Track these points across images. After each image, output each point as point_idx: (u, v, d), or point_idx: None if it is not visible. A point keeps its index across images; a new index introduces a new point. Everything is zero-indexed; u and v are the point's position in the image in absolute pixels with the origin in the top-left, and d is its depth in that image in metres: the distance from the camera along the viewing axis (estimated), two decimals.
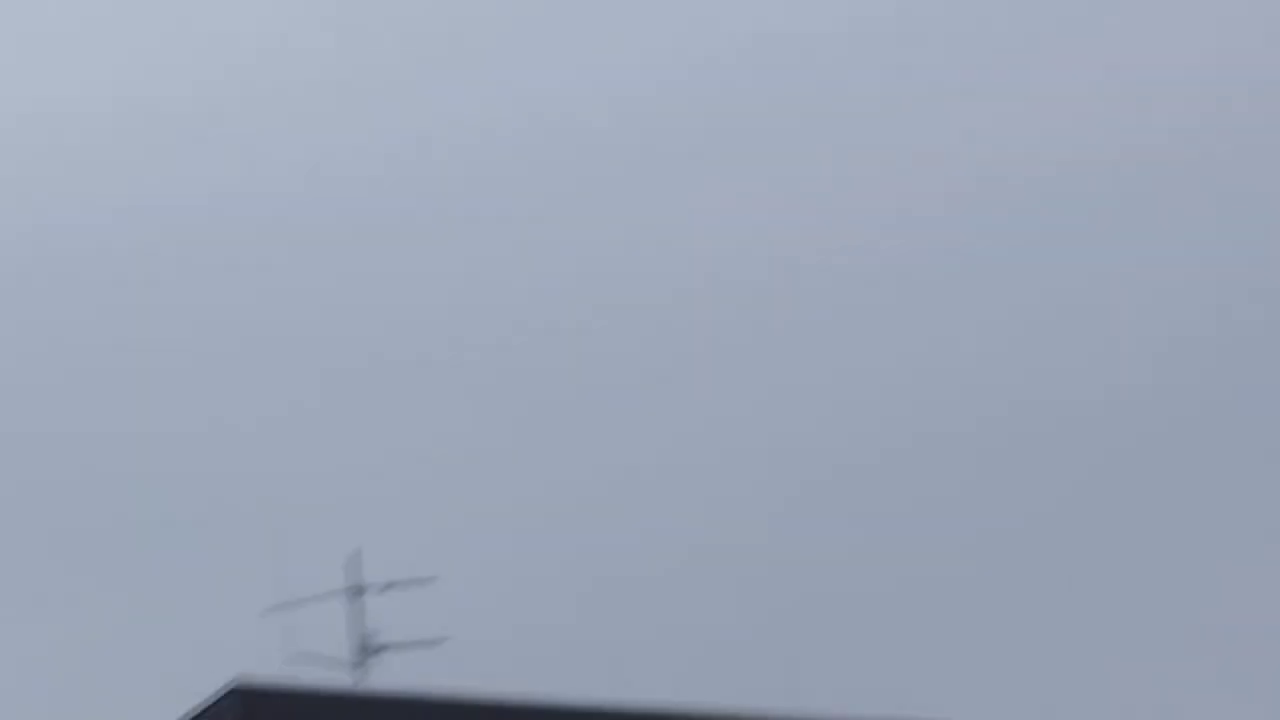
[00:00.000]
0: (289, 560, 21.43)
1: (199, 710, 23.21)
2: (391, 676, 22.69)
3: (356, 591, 23.21)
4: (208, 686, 22.84)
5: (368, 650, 21.17)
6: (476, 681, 23.09)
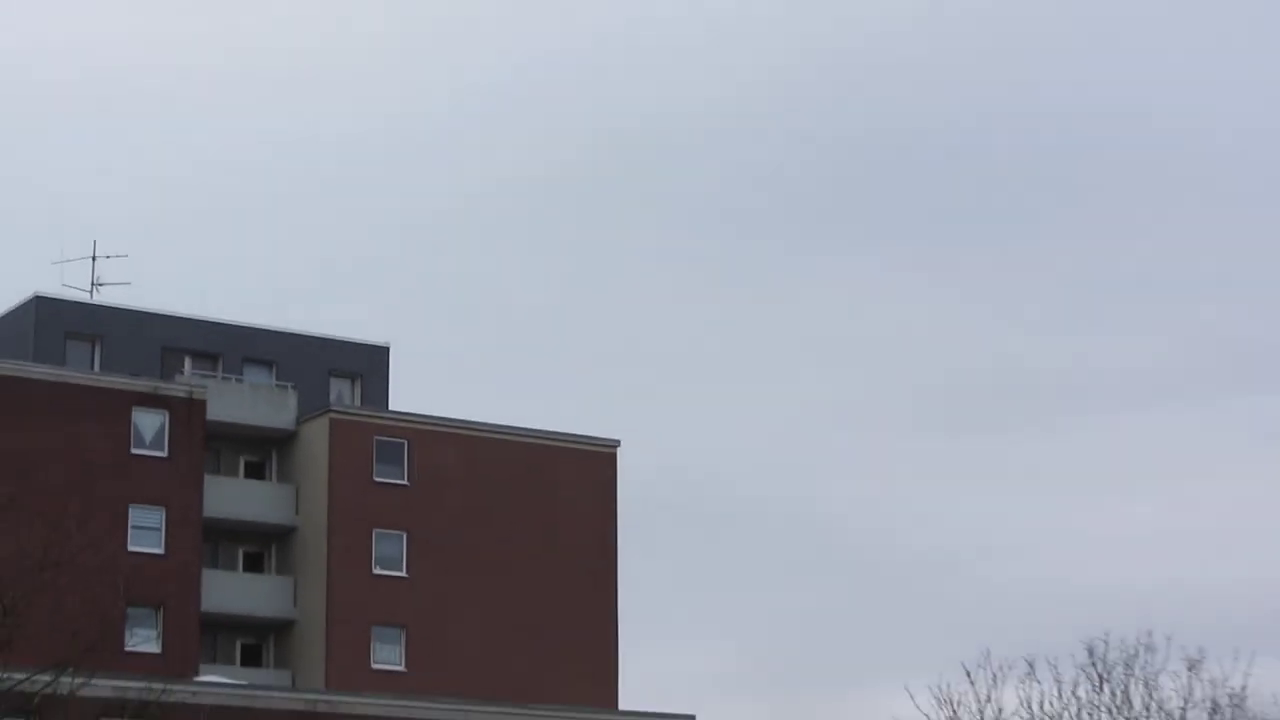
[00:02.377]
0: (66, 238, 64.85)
1: (9, 311, 65.39)
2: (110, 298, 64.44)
3: (94, 259, 65.04)
4: (14, 300, 66.13)
5: (97, 285, 64.66)
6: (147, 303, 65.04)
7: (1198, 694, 36.51)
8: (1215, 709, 36.42)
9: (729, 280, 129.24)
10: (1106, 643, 36.79)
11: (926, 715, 36.77)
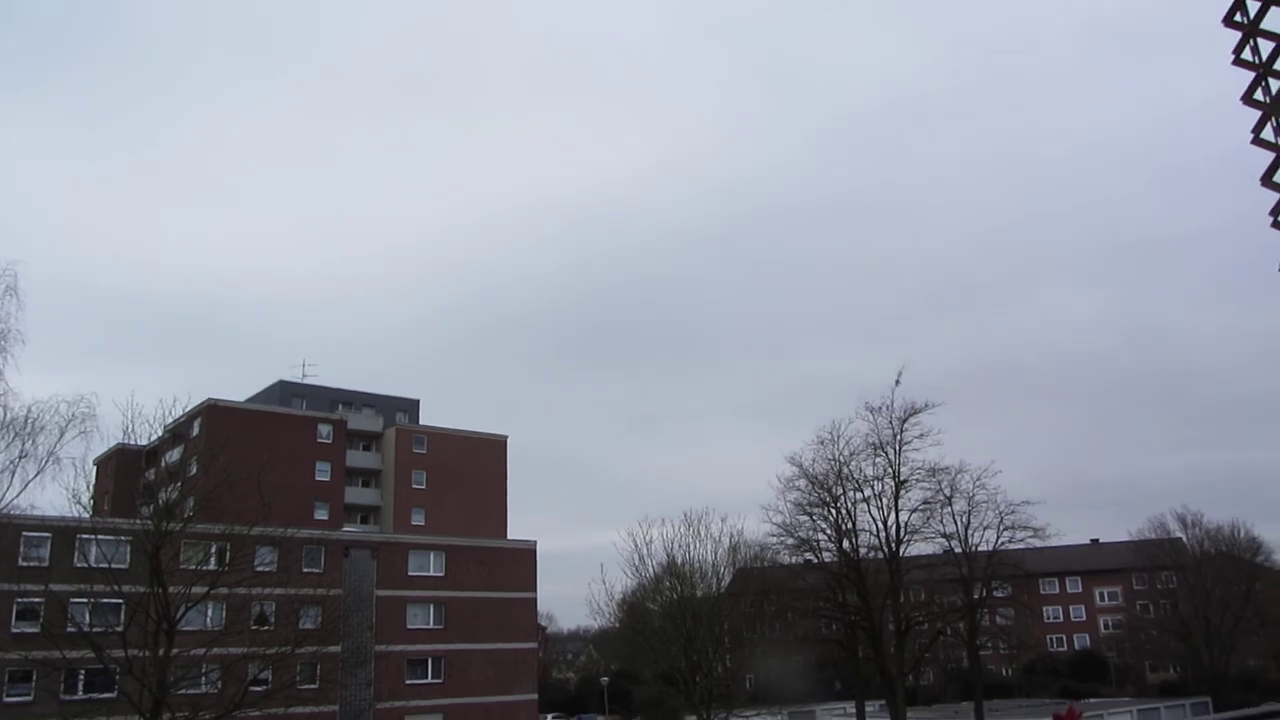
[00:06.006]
0: None
1: (269, 386, 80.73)
2: None
3: (303, 364, 70.00)
4: (270, 381, 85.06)
5: (306, 375, 62.63)
6: None
7: (727, 532, 49.43)
8: (733, 538, 49.39)
9: (553, 376, 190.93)
10: (693, 512, 49.61)
11: (623, 540, 50.99)
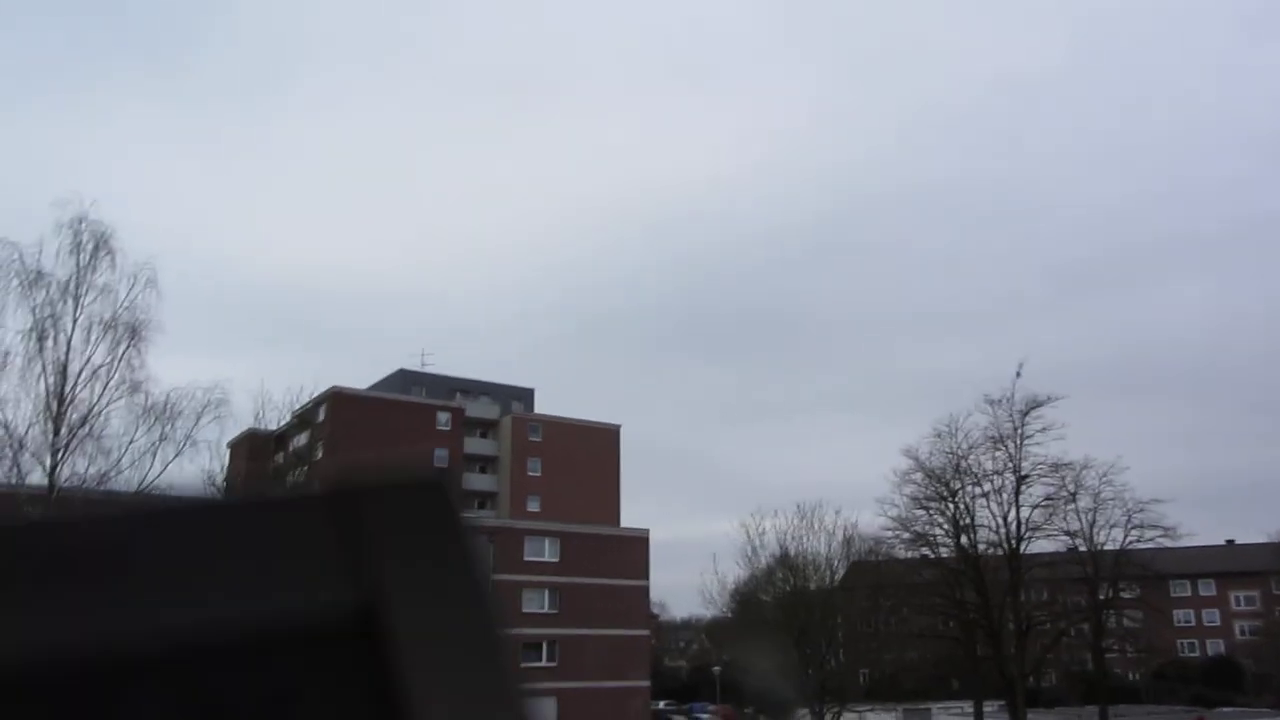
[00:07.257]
0: None
1: (391, 374, 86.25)
2: None
3: (422, 354, 67.48)
4: (391, 370, 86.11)
5: (424, 364, 64.02)
6: None
7: (841, 525, 54.15)
8: (846, 531, 55.28)
9: (661, 367, 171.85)
10: (805, 504, 57.10)
11: (735, 530, 60.12)
